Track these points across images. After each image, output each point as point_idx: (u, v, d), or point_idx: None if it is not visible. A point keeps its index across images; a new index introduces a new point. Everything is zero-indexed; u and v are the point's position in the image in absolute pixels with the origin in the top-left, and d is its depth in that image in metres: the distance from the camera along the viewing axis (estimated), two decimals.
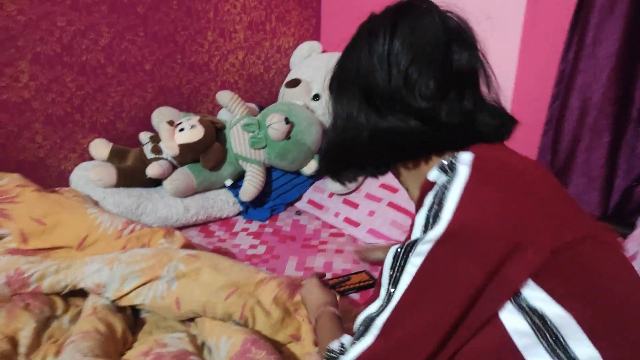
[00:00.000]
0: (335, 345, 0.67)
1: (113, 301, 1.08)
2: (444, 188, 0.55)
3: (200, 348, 1.02)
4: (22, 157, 1.60)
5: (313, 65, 2.10)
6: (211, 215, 1.73)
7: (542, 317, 0.54)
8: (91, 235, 1.24)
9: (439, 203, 0.55)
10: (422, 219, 0.56)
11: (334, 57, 2.12)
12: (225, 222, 1.77)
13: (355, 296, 1.28)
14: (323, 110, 1.98)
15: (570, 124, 1.51)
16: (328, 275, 1.38)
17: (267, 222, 1.78)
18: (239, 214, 1.82)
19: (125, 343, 1.02)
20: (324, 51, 2.23)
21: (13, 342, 0.99)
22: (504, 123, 0.64)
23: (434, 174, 0.59)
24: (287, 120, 1.75)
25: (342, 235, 1.68)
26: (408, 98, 0.59)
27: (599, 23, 1.39)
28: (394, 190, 1.70)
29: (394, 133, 0.61)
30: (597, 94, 1.46)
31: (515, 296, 0.54)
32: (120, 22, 1.69)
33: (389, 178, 0.74)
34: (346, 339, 0.67)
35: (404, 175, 0.69)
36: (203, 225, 1.73)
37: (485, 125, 0.62)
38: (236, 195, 1.80)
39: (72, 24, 1.59)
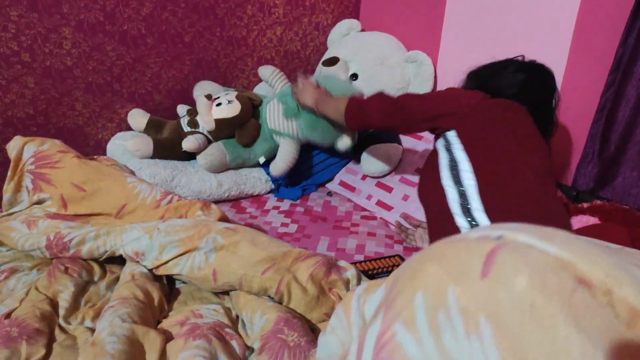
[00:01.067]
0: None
1: (151, 270, 1.09)
2: None
3: (234, 321, 1.02)
4: (62, 123, 1.62)
5: (351, 43, 2.04)
6: (243, 192, 1.73)
7: (453, 155, 1.11)
8: (130, 204, 1.25)
9: None
10: None
11: (373, 36, 2.09)
12: (257, 199, 1.76)
13: None
14: (361, 91, 1.93)
15: (625, 113, 1.42)
16: (360, 258, 1.37)
17: (298, 201, 1.76)
18: (271, 191, 1.81)
19: (161, 311, 1.02)
20: (362, 30, 2.17)
21: (53, 304, 1.01)
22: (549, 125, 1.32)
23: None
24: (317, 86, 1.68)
25: (374, 218, 1.65)
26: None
27: None
28: None
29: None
30: None
31: (445, 135, 1.16)
32: None
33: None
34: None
35: None
36: (235, 201, 1.73)
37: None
38: (269, 173, 1.78)
39: None
